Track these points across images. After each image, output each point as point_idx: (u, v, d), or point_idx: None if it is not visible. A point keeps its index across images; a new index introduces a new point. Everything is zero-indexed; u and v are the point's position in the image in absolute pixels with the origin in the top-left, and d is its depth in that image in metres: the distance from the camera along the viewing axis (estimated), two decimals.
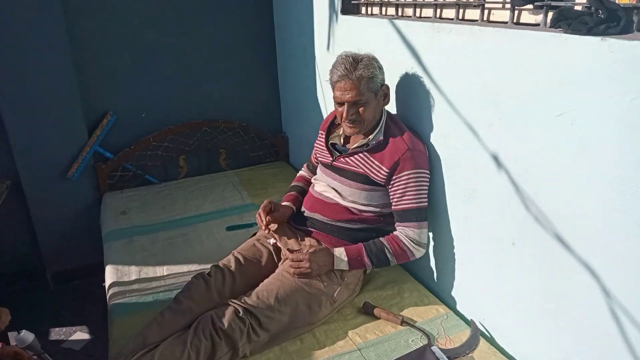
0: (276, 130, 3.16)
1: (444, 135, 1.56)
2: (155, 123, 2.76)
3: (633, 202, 1.02)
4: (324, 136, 1.82)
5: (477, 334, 1.47)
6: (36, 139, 2.43)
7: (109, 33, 2.53)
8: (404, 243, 1.59)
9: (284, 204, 1.83)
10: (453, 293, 1.68)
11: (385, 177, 1.59)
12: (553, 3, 1.21)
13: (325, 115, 2.44)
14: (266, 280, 1.57)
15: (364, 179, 1.64)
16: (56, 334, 2.32)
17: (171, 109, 2.79)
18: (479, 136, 1.41)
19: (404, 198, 1.59)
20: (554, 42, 1.13)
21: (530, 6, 1.30)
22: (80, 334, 2.31)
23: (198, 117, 2.85)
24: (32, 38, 2.28)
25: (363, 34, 1.94)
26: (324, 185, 1.77)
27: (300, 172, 2.05)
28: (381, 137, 1.61)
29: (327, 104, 2.41)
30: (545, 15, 1.24)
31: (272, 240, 1.71)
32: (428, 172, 1.61)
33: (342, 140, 1.75)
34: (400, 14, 1.83)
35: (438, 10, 1.66)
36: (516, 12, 1.35)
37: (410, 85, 1.67)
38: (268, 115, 3.11)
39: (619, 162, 1.04)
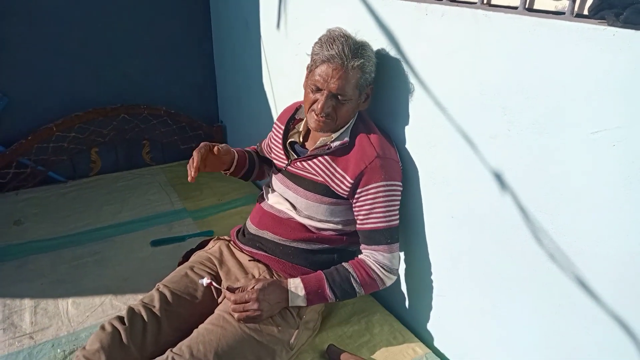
0: (212, 118, 2.75)
1: (430, 145, 1.28)
2: (60, 108, 2.26)
3: None
4: (281, 132, 1.49)
5: None
6: None
7: None
8: (372, 270, 1.31)
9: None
10: (430, 327, 1.44)
11: (349, 190, 1.30)
12: None
13: (274, 104, 2.08)
14: (202, 327, 1.22)
15: (323, 190, 1.35)
16: None
17: (80, 91, 2.30)
18: (478, 149, 1.14)
19: (371, 216, 1.30)
20: (595, 37, 0.87)
21: None
22: None
23: (114, 102, 2.37)
24: None
25: (324, 12, 1.59)
26: (276, 195, 1.45)
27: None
28: (346, 139, 1.32)
29: (274, 90, 2.05)
30: (573, 1, 0.97)
31: (205, 281, 1.32)
32: (400, 184, 1.33)
33: (300, 139, 1.44)
34: None
35: None
36: None
37: (387, 81, 1.36)
38: (202, 100, 2.68)
39: None
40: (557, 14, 1.01)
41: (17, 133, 2.18)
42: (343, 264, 1.34)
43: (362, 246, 1.36)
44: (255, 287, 1.25)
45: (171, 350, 1.14)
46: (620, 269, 0.91)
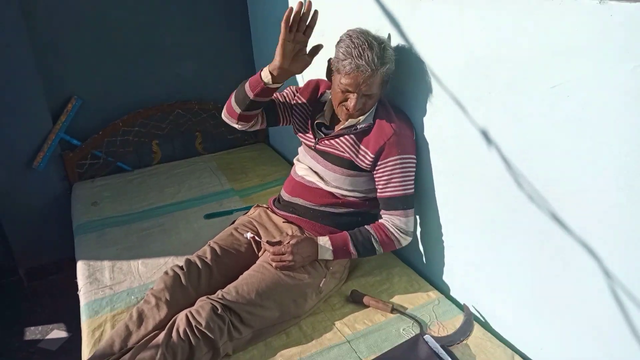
0: None
1: (430, 112, 1.47)
2: (125, 106, 2.60)
3: (636, 181, 0.95)
4: (307, 112, 1.66)
5: (470, 320, 1.41)
6: None
7: (70, 12, 2.34)
8: (391, 232, 1.51)
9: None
10: (444, 277, 1.62)
11: (370, 163, 1.49)
12: None
13: None
14: (246, 273, 1.48)
15: (348, 164, 1.53)
16: (32, 333, 2.21)
17: (141, 91, 2.63)
18: (467, 111, 1.32)
19: (389, 185, 1.49)
20: (548, 6, 1.03)
21: None
22: (57, 332, 2.20)
23: (170, 99, 2.70)
24: None
25: (340, 2, 1.81)
26: (305, 168, 1.67)
27: None
28: (371, 121, 1.49)
29: (304, 79, 2.29)
30: None
31: (248, 235, 1.59)
32: (414, 157, 1.51)
33: (327, 121, 1.61)
34: None
35: None
36: None
37: (397, 65, 1.56)
38: None
39: (621, 137, 0.96)
40: None
41: (90, 129, 2.54)
42: (365, 226, 1.54)
43: (382, 211, 1.54)
44: (290, 242, 1.48)
45: (221, 290, 1.40)
46: (587, 201, 1.07)
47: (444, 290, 1.62)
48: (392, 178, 1.48)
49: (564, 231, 1.13)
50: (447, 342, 1.32)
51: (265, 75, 1.46)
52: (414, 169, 1.51)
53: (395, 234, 1.51)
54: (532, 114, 1.13)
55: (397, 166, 1.47)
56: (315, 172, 1.62)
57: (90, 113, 2.53)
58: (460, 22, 1.27)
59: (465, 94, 1.31)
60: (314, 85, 1.70)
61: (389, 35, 1.53)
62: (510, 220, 1.28)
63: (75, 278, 1.84)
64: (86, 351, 1.40)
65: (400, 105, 1.58)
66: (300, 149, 1.74)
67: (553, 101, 1.07)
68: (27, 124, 2.35)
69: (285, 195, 1.71)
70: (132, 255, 1.88)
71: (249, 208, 2.17)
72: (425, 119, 1.50)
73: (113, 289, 1.69)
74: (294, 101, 1.69)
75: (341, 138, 1.54)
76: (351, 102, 1.41)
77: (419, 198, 1.59)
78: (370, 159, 1.49)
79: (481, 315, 1.47)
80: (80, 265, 1.83)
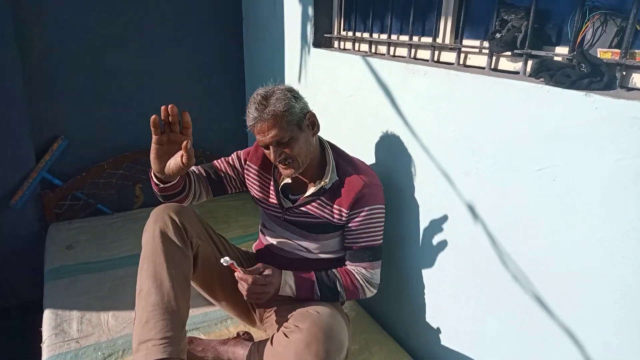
0: None
1: (420, 181, 1.48)
2: (112, 149, 2.59)
3: (618, 269, 0.96)
4: (265, 181, 1.54)
5: None
6: None
7: (65, 53, 2.37)
8: (357, 279, 1.44)
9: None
10: (426, 349, 1.58)
11: (346, 218, 1.43)
12: (533, 52, 1.16)
13: None
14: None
15: (327, 227, 1.46)
16: None
17: (129, 135, 2.62)
18: (455, 185, 1.34)
19: (359, 237, 1.44)
20: (535, 93, 1.07)
21: (508, 53, 1.25)
22: None
23: None
24: None
25: (336, 69, 1.86)
26: (282, 241, 1.55)
27: None
28: (336, 177, 1.43)
29: None
30: (525, 64, 1.19)
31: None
32: (383, 206, 1.46)
33: (292, 183, 1.52)
34: (374, 51, 1.77)
35: (413, 50, 1.60)
36: (494, 58, 1.29)
37: (385, 126, 1.60)
38: (234, 144, 2.97)
39: (604, 224, 0.97)
40: (515, 73, 1.23)
41: (74, 170, 2.50)
42: (332, 270, 1.45)
43: (347, 262, 1.48)
44: (266, 273, 1.35)
45: None
46: (570, 285, 1.07)
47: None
48: (362, 230, 1.43)
49: (547, 314, 1.12)
50: None
51: (153, 175, 1.37)
52: (383, 220, 1.46)
53: (362, 282, 1.44)
54: (518, 193, 1.15)
55: (367, 218, 1.42)
56: (297, 243, 1.52)
57: (75, 153, 2.51)
58: (450, 98, 1.31)
59: (454, 167, 1.33)
60: (260, 148, 1.55)
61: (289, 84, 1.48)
62: (495, 296, 1.27)
63: (40, 325, 1.75)
64: None
65: (392, 168, 1.59)
66: (264, 216, 1.61)
67: (539, 183, 1.09)
68: (9, 161, 2.31)
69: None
70: (103, 306, 1.80)
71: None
72: (415, 188, 1.51)
73: (79, 343, 1.60)
74: (244, 171, 1.58)
75: (312, 204, 1.46)
76: (272, 155, 1.36)
77: (403, 263, 1.58)
78: (346, 214, 1.42)
79: None
80: (47, 315, 1.75)
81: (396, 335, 1.69)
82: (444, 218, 1.40)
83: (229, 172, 1.58)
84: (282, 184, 1.51)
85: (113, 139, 2.60)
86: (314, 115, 1.42)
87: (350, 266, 1.48)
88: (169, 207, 1.38)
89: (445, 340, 1.49)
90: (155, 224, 1.34)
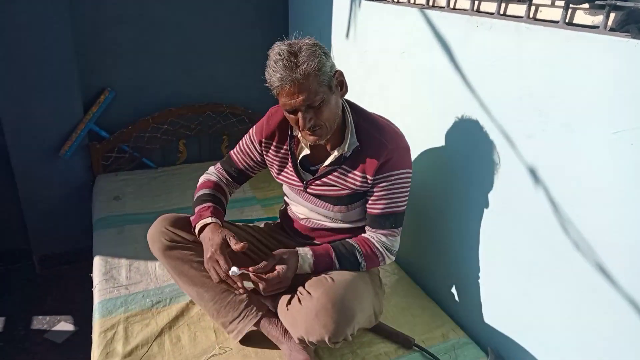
0: None
1: (474, 143, 1.41)
2: (156, 103, 2.59)
3: None
4: (282, 153, 1.44)
5: None
6: (27, 114, 2.26)
7: (114, 6, 2.36)
8: (376, 247, 1.36)
9: (213, 222, 1.38)
10: (469, 316, 1.55)
11: (370, 184, 1.33)
12: (618, 3, 1.06)
13: None
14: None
15: (352, 197, 1.38)
16: (39, 322, 2.19)
17: (174, 90, 2.62)
18: (516, 147, 1.26)
19: (382, 203, 1.34)
20: (620, 48, 0.98)
21: (586, 5, 1.14)
22: (64, 325, 2.17)
23: (201, 100, 2.68)
24: (29, 9, 2.10)
25: (388, 23, 1.78)
26: (306, 212, 1.49)
27: (208, 176, 1.61)
28: (355, 141, 1.32)
29: None
30: (607, 17, 1.08)
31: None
32: (409, 170, 1.34)
33: (303, 156, 1.41)
34: (431, 3, 1.67)
35: (476, 3, 1.50)
36: (569, 11, 1.19)
37: (440, 85, 1.52)
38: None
39: None
40: (594, 27, 1.13)
41: (120, 122, 2.53)
42: (347, 239, 1.39)
43: (367, 228, 1.39)
44: (283, 270, 1.27)
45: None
46: (635, 257, 1.00)
47: (467, 328, 1.55)
48: (384, 195, 1.33)
49: (612, 286, 1.06)
50: None
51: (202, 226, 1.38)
52: (408, 185, 1.35)
53: (381, 250, 1.36)
54: (587, 157, 1.07)
55: (393, 183, 1.32)
56: (319, 214, 1.45)
57: (121, 106, 2.53)
58: (518, 54, 1.22)
59: (516, 128, 1.26)
60: (273, 119, 1.45)
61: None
62: (552, 266, 1.21)
63: (89, 272, 1.81)
64: (96, 352, 1.37)
65: (443, 129, 1.53)
66: (286, 188, 1.53)
67: (614, 147, 1.01)
68: (58, 112, 2.35)
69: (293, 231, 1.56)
70: (151, 256, 1.80)
71: (269, 219, 2.14)
72: (470, 149, 1.44)
73: (128, 289, 1.65)
74: (264, 152, 1.49)
75: (332, 175, 1.36)
76: (300, 121, 1.23)
77: (457, 232, 1.53)
78: (370, 180, 1.32)
79: None
80: (97, 261, 1.80)
81: (440, 300, 1.67)
82: (500, 182, 1.34)
83: (249, 163, 1.54)
84: (300, 157, 1.41)
85: (158, 93, 2.60)
86: (342, 74, 1.29)
87: (369, 233, 1.39)
88: (159, 222, 1.49)
89: (494, 309, 1.45)
90: (153, 245, 1.47)
